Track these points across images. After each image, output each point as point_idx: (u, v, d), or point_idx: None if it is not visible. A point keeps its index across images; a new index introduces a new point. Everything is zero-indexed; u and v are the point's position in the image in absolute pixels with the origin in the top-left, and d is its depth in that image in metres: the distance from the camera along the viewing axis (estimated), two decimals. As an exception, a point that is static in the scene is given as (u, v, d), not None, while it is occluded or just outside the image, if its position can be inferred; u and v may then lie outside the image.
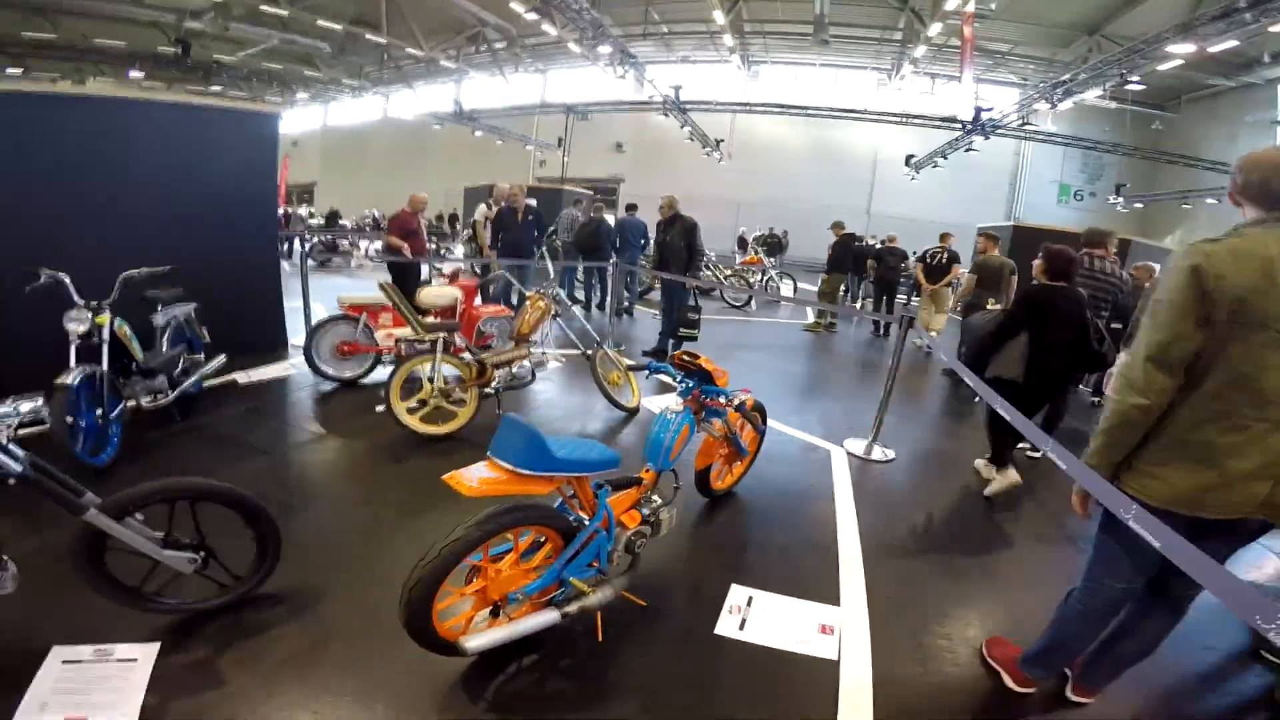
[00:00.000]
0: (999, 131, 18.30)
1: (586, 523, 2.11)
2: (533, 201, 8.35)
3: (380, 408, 4.03)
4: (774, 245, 15.76)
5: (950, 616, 2.54)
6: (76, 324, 3.60)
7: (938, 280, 8.01)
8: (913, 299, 11.81)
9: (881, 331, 9.67)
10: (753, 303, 11.18)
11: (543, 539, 2.09)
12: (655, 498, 2.42)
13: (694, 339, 6.41)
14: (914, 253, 10.64)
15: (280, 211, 16.92)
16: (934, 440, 4.98)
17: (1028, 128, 18.91)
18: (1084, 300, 3.49)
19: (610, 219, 9.51)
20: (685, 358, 2.80)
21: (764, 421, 3.41)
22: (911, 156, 21.21)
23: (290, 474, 3.66)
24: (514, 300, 6.96)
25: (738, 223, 19.70)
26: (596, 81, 19.23)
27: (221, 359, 4.85)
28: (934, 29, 15.09)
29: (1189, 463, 1.58)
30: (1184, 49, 12.12)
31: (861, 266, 10.39)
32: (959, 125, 18.66)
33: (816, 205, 18.41)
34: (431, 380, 4.10)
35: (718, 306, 10.96)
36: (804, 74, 21.47)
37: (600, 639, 2.18)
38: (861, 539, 3.08)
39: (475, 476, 1.80)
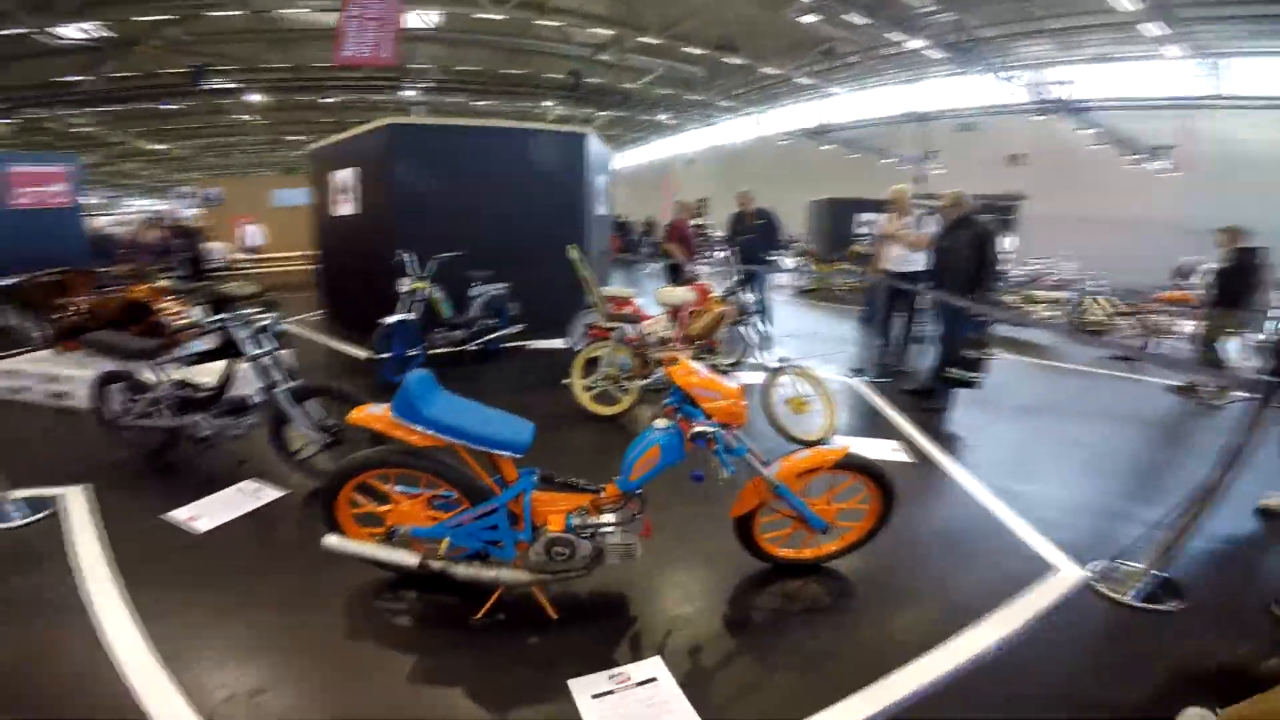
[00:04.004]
0: None
1: (492, 497, 2.08)
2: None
3: (566, 381, 4.54)
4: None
5: None
6: (402, 286, 5.22)
7: None
8: None
9: None
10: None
11: (454, 495, 2.16)
12: (606, 516, 2.13)
13: (972, 384, 4.94)
14: None
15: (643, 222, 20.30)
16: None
17: None
18: None
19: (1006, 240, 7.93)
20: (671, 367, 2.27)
21: (888, 500, 2.52)
22: None
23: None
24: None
25: (1190, 250, 14.01)
26: (974, 88, 16.38)
27: (518, 328, 6.26)
28: None
29: None
30: None
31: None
32: None
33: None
34: (607, 365, 4.42)
35: (1092, 355, 8.04)
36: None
37: (478, 616, 2.11)
38: (927, 698, 1.87)
39: (366, 410, 2.13)
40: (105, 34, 11.27)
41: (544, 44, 15.66)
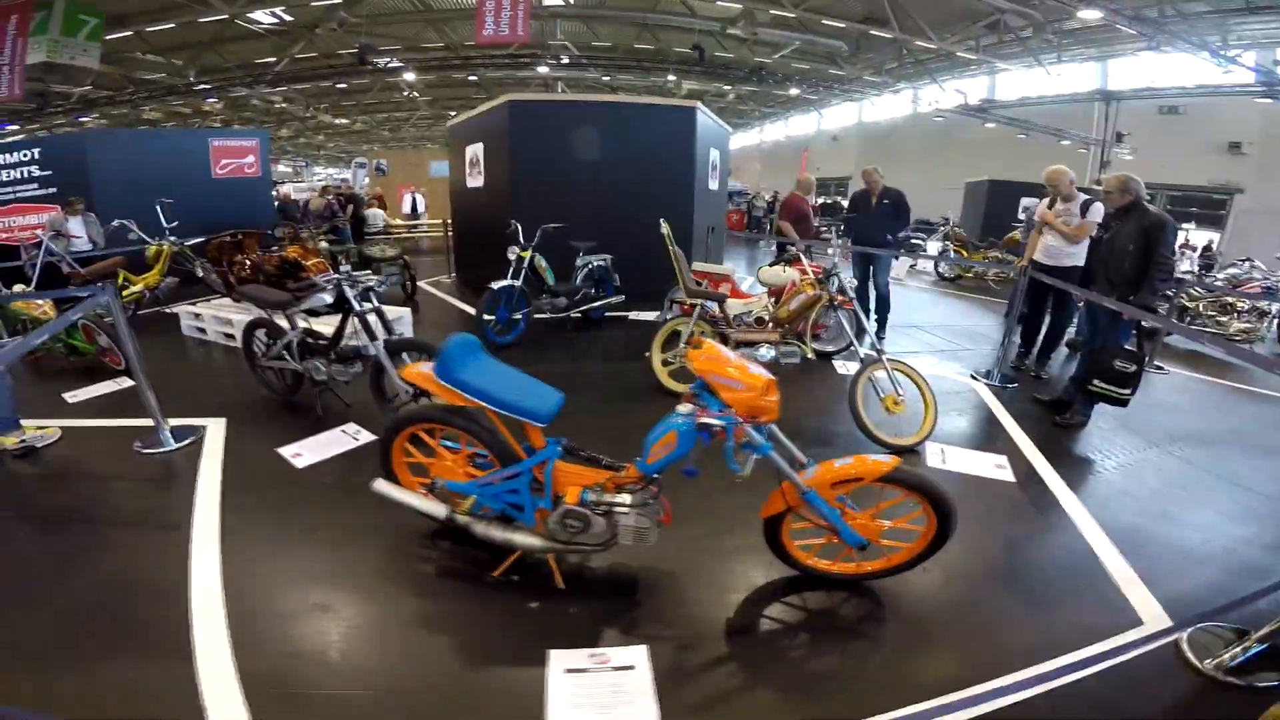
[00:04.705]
0: None
1: (519, 461, 2.19)
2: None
3: (648, 354, 4.57)
4: None
5: None
6: (510, 254, 5.53)
7: None
8: None
9: None
10: None
11: (487, 455, 2.28)
12: (622, 496, 2.13)
13: (1121, 402, 4.18)
14: None
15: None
16: None
17: None
18: None
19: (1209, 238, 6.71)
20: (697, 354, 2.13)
21: (945, 524, 2.21)
22: None
23: (558, 375, 4.61)
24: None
25: None
26: (1179, 67, 13.57)
27: (619, 298, 6.42)
28: None
29: None
30: None
31: None
32: None
33: None
34: (686, 342, 4.37)
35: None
36: None
37: (494, 573, 2.23)
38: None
39: (417, 368, 2.28)
40: (289, 18, 12.88)
41: (671, 19, 15.40)
